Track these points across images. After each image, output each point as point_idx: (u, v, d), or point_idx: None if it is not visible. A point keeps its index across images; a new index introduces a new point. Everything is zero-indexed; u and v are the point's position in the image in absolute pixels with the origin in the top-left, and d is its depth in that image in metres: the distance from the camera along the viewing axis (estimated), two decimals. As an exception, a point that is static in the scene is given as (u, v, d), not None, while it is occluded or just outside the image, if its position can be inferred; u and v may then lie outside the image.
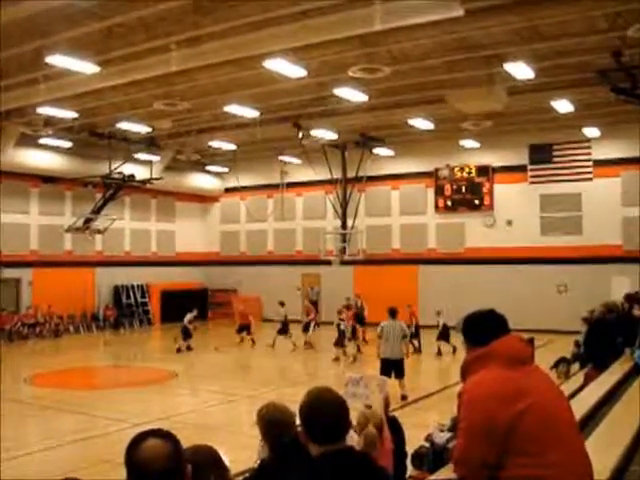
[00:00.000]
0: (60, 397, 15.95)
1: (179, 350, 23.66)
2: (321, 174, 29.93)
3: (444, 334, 22.08)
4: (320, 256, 29.52)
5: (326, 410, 3.23)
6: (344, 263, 29.38)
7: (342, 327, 22.20)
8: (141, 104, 21.52)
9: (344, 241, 28.96)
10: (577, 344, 14.77)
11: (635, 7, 13.61)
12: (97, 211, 29.39)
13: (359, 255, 28.83)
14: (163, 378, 18.85)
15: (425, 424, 10.37)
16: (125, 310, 32.75)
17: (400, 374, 14.95)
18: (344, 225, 29.47)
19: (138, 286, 33.78)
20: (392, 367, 14.76)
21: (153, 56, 16.00)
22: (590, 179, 27.80)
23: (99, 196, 29.76)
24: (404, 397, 14.89)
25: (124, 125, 24.37)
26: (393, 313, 15.43)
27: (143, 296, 33.87)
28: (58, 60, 15.60)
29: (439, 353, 22.09)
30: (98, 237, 30.90)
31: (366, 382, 7.49)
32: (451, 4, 12.49)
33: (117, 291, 33.02)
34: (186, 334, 24.01)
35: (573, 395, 7.25)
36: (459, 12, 12.61)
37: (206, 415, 14.29)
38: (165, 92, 19.82)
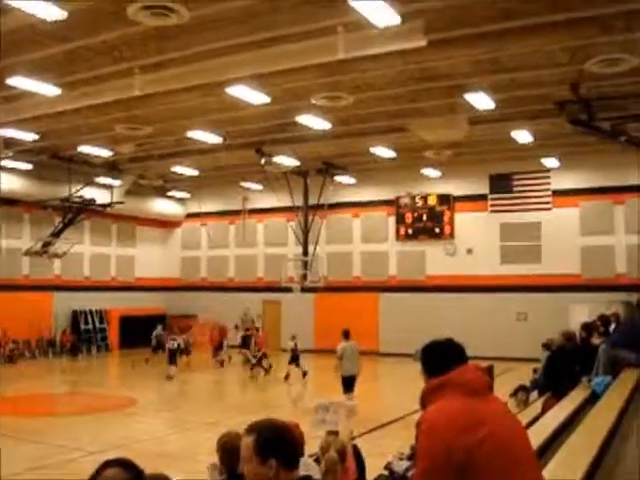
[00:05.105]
0: (13, 425, 15.55)
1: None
2: (283, 201, 29.97)
3: (294, 358, 22.95)
4: (281, 283, 29.46)
5: (291, 437, 3.21)
6: (305, 290, 29.35)
7: (174, 346, 23.82)
8: (103, 128, 21.38)
9: (305, 268, 28.94)
10: (536, 372, 14.88)
11: (592, 42, 13.93)
12: (56, 235, 29.06)
13: (320, 282, 28.83)
14: (121, 405, 18.55)
15: (383, 452, 10.33)
16: (83, 335, 32.27)
17: (352, 388, 16.52)
18: (305, 252, 29.46)
19: (97, 311, 33.37)
20: (350, 382, 16.44)
21: (116, 80, 15.95)
22: (549, 209, 28.20)
23: (58, 219, 29.44)
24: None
25: (85, 148, 24.17)
26: (347, 334, 16.96)
27: (101, 321, 33.44)
28: (19, 82, 15.49)
29: (287, 377, 22.75)
30: (57, 261, 30.54)
31: (335, 408, 7.45)
32: (414, 34, 12.64)
33: (75, 316, 32.53)
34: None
35: (532, 423, 7.28)
36: (422, 42, 12.76)
37: (164, 443, 14.10)
38: (127, 116, 19.73)
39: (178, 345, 24.22)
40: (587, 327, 12.77)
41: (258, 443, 3.06)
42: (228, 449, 4.43)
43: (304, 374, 22.86)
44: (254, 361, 24.28)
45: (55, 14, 11.64)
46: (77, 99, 17.07)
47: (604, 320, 14.62)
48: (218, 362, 27.32)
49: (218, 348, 27.90)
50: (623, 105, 18.04)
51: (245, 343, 26.08)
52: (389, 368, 22.23)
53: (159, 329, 28.37)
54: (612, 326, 14.30)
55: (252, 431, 3.14)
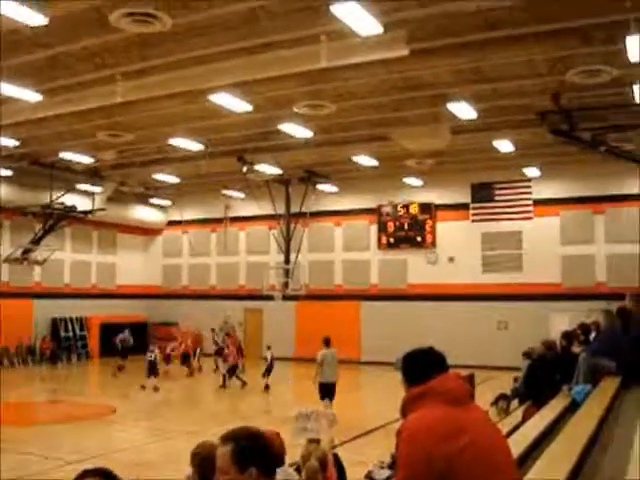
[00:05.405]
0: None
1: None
2: (265, 209, 29.95)
3: (269, 369, 22.82)
4: (263, 291, 29.40)
5: (268, 444, 3.18)
6: (286, 298, 29.28)
7: (151, 358, 23.35)
8: (85, 134, 21.28)
9: (287, 276, 28.89)
10: (516, 380, 14.91)
11: (573, 53, 14.05)
12: (37, 241, 28.86)
13: (302, 290, 28.78)
14: (101, 414, 18.40)
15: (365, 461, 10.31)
16: (63, 343, 32.02)
17: (332, 396, 16.32)
18: (287, 260, 29.43)
19: (77, 319, 33.13)
20: (329, 389, 16.32)
21: (98, 87, 15.88)
22: (530, 218, 28.34)
23: (39, 226, 29.23)
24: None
25: (67, 155, 24.03)
26: (327, 342, 16.95)
27: (82, 329, 33.21)
28: (0, 88, 15.38)
29: (266, 388, 22.55)
30: (37, 268, 30.32)
31: (316, 417, 7.40)
32: (396, 44, 12.69)
33: (55, 324, 32.27)
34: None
35: (512, 431, 7.29)
36: (404, 52, 12.82)
37: (144, 452, 13.99)
38: (109, 123, 19.66)
39: (154, 357, 23.76)
40: (567, 336, 12.82)
41: (236, 452, 2.97)
42: (203, 460, 4.36)
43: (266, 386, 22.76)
44: (223, 372, 24.01)
45: (37, 19, 11.57)
46: (59, 105, 16.99)
47: (584, 329, 14.68)
48: (195, 369, 27.37)
49: (189, 356, 27.84)
50: (604, 116, 18.18)
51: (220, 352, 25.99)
52: (370, 376, 22.21)
53: (126, 333, 28.27)
54: (592, 335, 14.34)
55: (228, 440, 3.03)
